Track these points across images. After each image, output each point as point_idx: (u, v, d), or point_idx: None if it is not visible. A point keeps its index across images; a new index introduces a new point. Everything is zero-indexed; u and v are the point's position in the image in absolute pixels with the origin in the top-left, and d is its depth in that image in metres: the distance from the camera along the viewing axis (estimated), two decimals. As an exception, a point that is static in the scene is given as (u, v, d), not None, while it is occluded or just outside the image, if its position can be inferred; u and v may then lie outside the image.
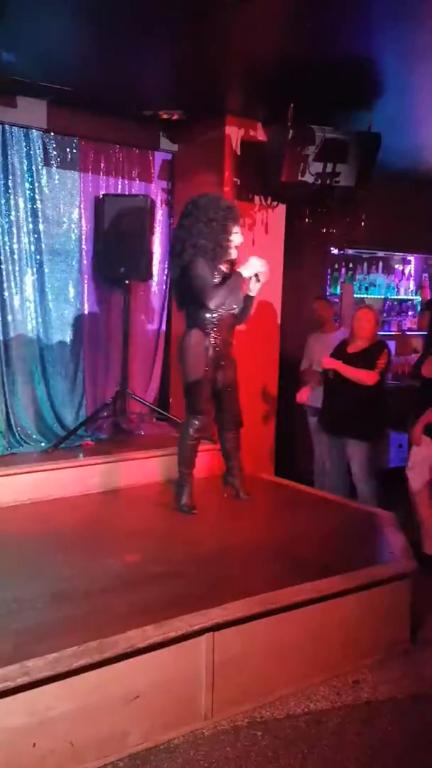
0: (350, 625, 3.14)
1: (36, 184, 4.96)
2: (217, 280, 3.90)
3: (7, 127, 4.77)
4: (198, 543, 3.63)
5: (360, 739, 2.68)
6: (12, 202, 4.86)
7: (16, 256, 4.93)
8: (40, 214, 4.99)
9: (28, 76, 4.26)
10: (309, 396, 5.19)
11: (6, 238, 4.88)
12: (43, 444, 4.91)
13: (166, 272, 5.58)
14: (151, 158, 5.48)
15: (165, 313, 5.66)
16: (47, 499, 4.31)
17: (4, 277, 4.89)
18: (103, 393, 5.35)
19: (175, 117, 4.98)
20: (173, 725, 2.65)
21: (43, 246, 5.03)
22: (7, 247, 4.89)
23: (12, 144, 4.81)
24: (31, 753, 2.34)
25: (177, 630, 2.60)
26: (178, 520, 4.00)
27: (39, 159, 4.95)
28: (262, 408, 5.46)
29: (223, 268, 3.96)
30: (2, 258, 4.87)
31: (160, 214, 5.56)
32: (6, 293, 4.91)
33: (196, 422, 4.05)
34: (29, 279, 5.02)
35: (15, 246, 4.92)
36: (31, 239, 4.99)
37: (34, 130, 4.87)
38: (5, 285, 4.90)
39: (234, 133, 5.01)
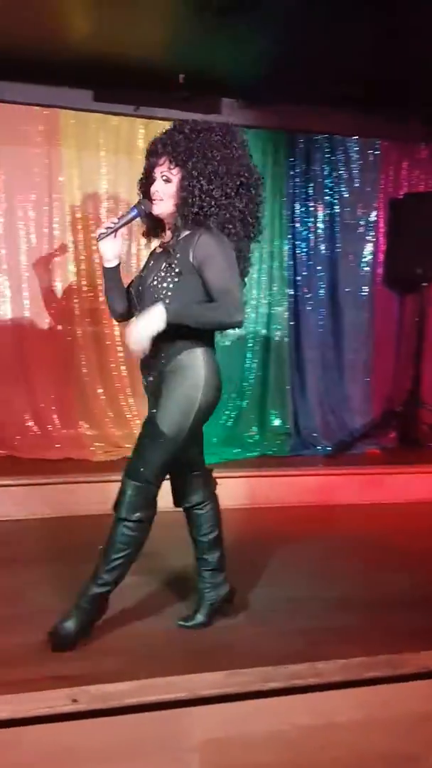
0: None
1: (335, 189, 5.00)
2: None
3: (312, 135, 4.88)
4: None
5: None
6: (311, 208, 4.97)
7: (311, 262, 5.02)
8: (337, 218, 5.02)
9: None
10: None
11: (303, 245, 5.00)
12: (328, 448, 4.91)
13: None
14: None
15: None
16: (328, 503, 4.27)
17: (299, 283, 5.00)
18: (392, 401, 5.19)
19: None
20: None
21: (338, 251, 5.06)
22: (303, 253, 5.01)
23: (314, 151, 4.91)
24: (313, 754, 2.30)
25: None
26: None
27: (340, 164, 4.99)
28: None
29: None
30: (296, 262, 4.99)
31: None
32: (299, 297, 5.02)
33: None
34: (321, 283, 5.06)
35: (311, 251, 5.02)
36: (327, 245, 5.04)
37: (336, 136, 4.92)
38: (299, 291, 5.00)
39: None
